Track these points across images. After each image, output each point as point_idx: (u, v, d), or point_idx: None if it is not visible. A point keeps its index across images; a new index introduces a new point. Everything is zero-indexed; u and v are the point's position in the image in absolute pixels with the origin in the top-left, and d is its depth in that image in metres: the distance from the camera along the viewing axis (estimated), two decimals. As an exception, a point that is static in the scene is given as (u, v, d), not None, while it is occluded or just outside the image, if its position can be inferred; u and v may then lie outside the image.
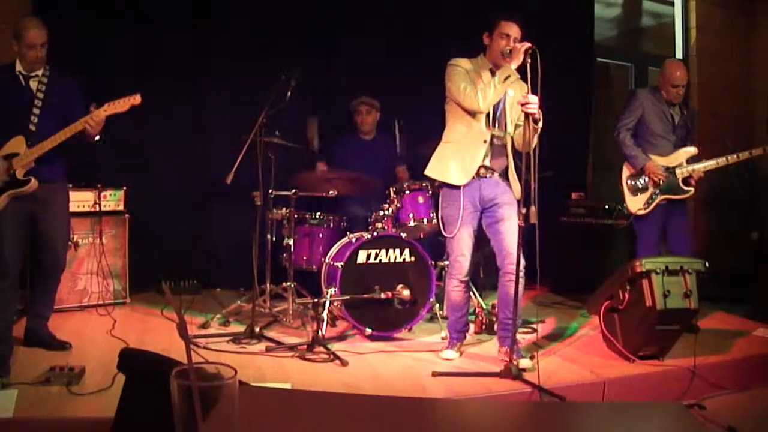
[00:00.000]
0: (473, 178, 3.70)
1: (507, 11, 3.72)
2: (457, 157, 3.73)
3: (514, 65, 3.49)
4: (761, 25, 7.15)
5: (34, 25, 3.62)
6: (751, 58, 7.22)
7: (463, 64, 3.73)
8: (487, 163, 3.72)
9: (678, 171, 4.62)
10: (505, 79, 3.52)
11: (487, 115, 3.68)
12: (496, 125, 3.73)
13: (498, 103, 3.70)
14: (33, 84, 3.68)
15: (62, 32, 4.01)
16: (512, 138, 3.79)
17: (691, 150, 4.65)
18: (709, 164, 4.60)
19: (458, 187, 3.72)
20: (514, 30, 3.63)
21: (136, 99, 3.65)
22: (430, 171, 3.86)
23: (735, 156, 4.56)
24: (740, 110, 7.01)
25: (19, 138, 3.59)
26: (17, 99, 3.65)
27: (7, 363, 3.35)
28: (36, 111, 3.64)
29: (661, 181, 4.55)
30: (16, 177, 3.56)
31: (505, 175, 3.80)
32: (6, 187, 3.54)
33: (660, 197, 4.60)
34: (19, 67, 3.67)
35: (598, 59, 6.92)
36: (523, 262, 3.55)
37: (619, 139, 4.72)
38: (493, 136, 3.71)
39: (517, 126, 3.77)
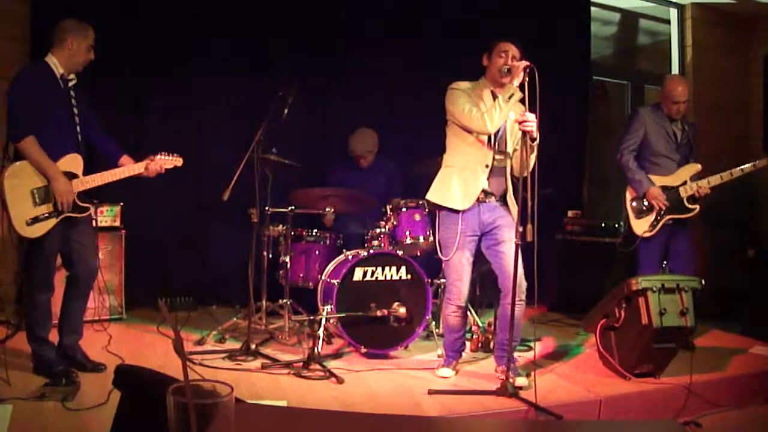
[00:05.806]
0: (473, 203, 3.70)
1: (504, 36, 3.75)
2: (459, 182, 3.71)
3: (515, 83, 3.51)
4: (756, 43, 7.21)
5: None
6: (747, 75, 7.27)
7: (464, 86, 3.75)
8: (487, 187, 3.71)
9: (682, 189, 4.55)
10: (510, 97, 3.53)
11: (489, 138, 3.68)
12: (497, 148, 3.73)
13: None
14: (69, 89, 3.48)
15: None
16: (511, 161, 3.80)
17: (695, 167, 4.59)
18: (714, 179, 4.50)
19: (457, 211, 3.71)
20: (511, 48, 3.68)
21: (179, 161, 3.87)
22: (432, 196, 3.84)
23: (739, 169, 4.46)
24: (736, 128, 7.05)
25: (76, 157, 3.47)
26: (62, 104, 3.44)
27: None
28: (77, 120, 3.48)
29: (663, 208, 4.51)
30: (76, 202, 3.46)
31: (503, 199, 3.80)
32: (62, 210, 3.41)
33: (666, 217, 4.54)
34: (58, 68, 3.43)
35: (595, 77, 6.97)
36: (525, 284, 3.57)
37: (622, 162, 4.65)
38: (494, 160, 3.71)
39: (515, 150, 3.77)
